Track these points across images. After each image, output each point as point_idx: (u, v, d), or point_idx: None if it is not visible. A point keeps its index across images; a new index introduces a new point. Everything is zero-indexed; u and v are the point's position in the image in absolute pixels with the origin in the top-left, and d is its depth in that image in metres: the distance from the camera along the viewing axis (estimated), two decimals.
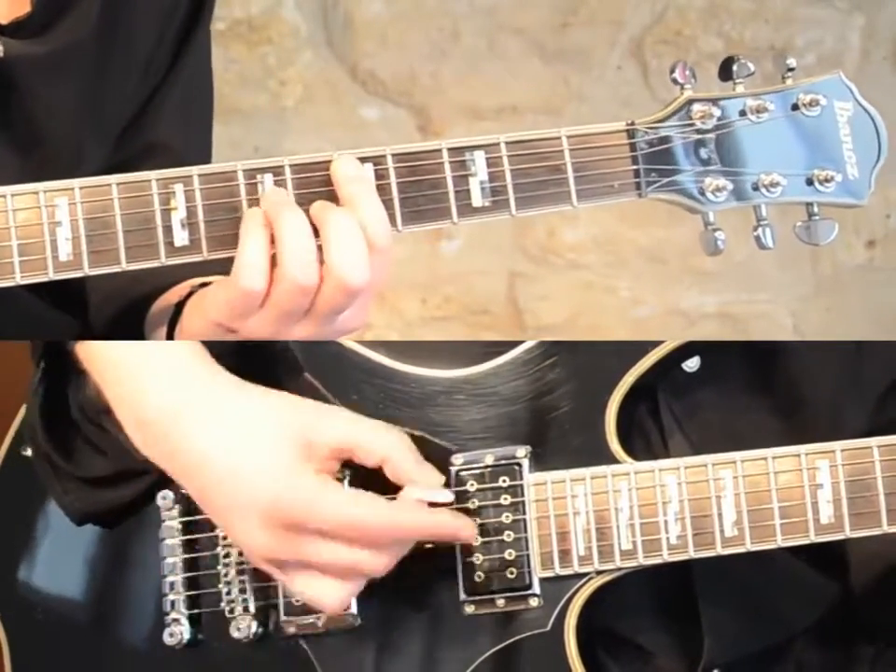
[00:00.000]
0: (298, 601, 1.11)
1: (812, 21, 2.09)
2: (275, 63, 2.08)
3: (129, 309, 1.20)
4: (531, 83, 2.07)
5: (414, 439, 1.12)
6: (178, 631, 1.15)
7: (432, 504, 1.08)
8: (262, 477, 1.05)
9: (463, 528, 1.09)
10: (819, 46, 2.09)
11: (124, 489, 1.14)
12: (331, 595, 1.07)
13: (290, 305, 1.03)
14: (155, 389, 1.08)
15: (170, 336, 1.13)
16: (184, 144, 1.32)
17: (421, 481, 1.08)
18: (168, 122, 1.30)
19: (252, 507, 1.05)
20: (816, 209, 1.10)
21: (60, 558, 1.20)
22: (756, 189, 1.09)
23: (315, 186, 1.05)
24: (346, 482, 1.08)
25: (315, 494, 1.05)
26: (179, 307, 1.13)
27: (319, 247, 1.04)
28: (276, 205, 1.04)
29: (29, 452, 1.20)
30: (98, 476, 1.16)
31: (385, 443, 1.08)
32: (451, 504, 1.09)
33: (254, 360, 1.14)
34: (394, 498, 1.08)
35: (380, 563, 1.06)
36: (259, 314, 1.04)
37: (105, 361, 1.11)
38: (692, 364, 1.15)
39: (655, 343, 1.12)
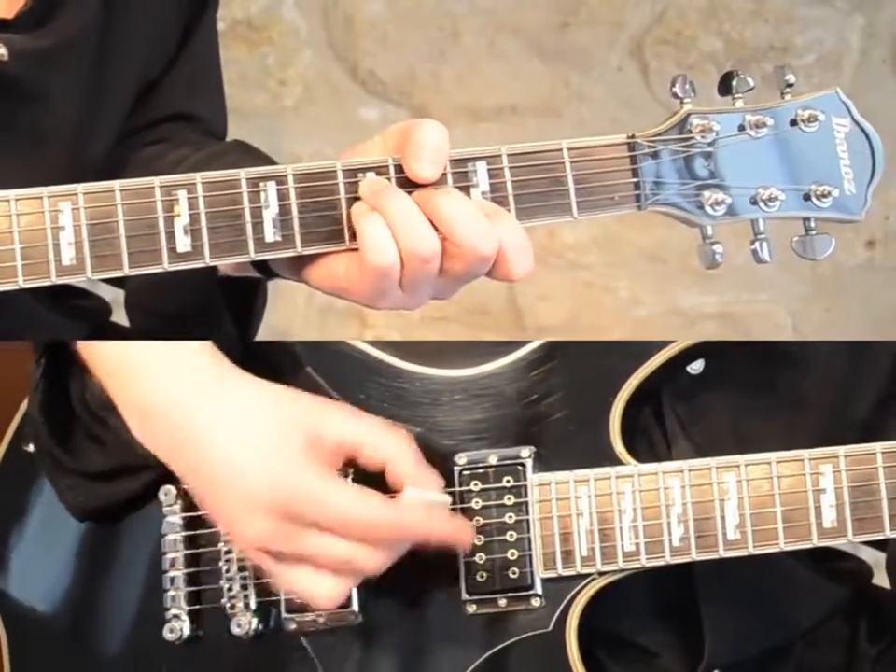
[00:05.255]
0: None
1: (812, 21, 2.10)
2: (275, 63, 2.08)
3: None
4: (531, 83, 2.07)
5: (418, 437, 1.13)
6: (178, 627, 1.15)
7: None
8: (267, 466, 1.05)
9: (462, 534, 1.09)
10: (819, 46, 2.09)
11: (125, 484, 1.14)
12: (324, 590, 1.06)
13: (419, 277, 1.04)
14: (161, 383, 1.08)
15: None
16: (203, 111, 1.34)
17: (421, 483, 1.08)
18: (184, 94, 1.32)
19: (254, 495, 1.05)
20: (813, 224, 1.10)
21: (60, 553, 1.20)
22: (754, 203, 1.09)
23: (318, 194, 1.05)
24: (350, 479, 1.08)
25: (319, 487, 1.05)
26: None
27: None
28: (376, 194, 1.05)
29: (32, 448, 1.20)
30: (99, 471, 1.16)
31: (389, 443, 1.08)
32: (450, 505, 1.09)
33: (257, 356, 1.14)
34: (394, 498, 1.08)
35: (376, 561, 1.06)
36: (396, 291, 1.05)
37: (110, 358, 1.11)
38: (696, 366, 1.15)
39: (661, 345, 1.12)
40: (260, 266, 1.13)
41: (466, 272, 1.05)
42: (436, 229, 1.04)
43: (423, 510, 1.07)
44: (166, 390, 1.08)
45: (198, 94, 1.34)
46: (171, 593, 1.15)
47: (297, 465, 1.05)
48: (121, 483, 1.15)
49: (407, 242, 1.03)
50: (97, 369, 1.11)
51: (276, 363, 1.15)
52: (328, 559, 1.05)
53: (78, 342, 1.12)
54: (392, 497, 1.08)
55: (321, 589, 1.06)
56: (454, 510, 1.12)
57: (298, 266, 1.08)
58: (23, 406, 1.22)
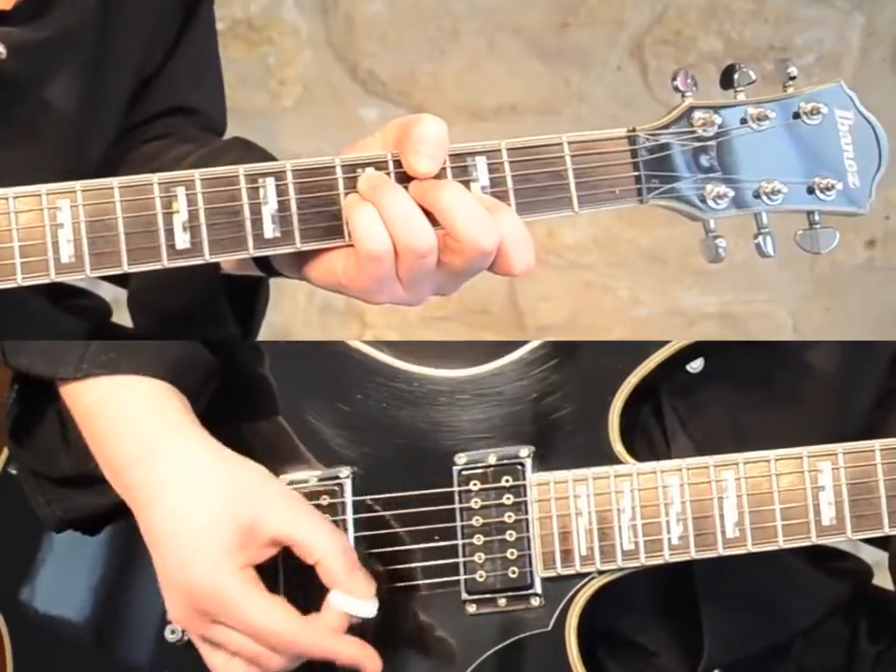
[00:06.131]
0: (298, 600, 1.11)
1: (812, 21, 2.10)
2: (275, 63, 2.08)
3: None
4: (531, 83, 2.07)
5: (417, 438, 1.13)
6: (179, 628, 1.15)
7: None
8: (191, 559, 1.05)
9: (366, 663, 1.08)
10: (819, 46, 2.09)
11: (105, 494, 1.13)
12: None
13: (417, 271, 1.03)
14: (130, 436, 1.08)
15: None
16: (203, 106, 1.34)
17: (350, 589, 1.07)
18: (184, 88, 1.32)
19: (176, 580, 1.07)
20: (817, 217, 1.09)
21: (62, 558, 1.20)
22: (757, 196, 1.08)
23: (318, 190, 1.05)
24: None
25: (230, 593, 1.05)
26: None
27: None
28: (373, 189, 1.04)
29: (14, 470, 1.20)
30: (78, 475, 1.15)
31: (323, 546, 1.07)
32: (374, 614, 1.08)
33: (229, 397, 1.14)
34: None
35: (281, 664, 1.07)
36: (395, 286, 1.04)
37: (85, 402, 1.10)
38: (695, 365, 1.15)
39: (659, 344, 1.12)
40: (263, 264, 1.13)
41: (466, 267, 1.04)
42: (435, 223, 1.03)
43: (328, 632, 1.07)
44: (135, 443, 1.08)
45: (196, 87, 1.33)
46: None
47: (220, 566, 1.05)
48: (98, 492, 1.14)
49: (402, 236, 1.02)
50: (74, 409, 1.11)
51: (248, 406, 1.16)
52: (236, 651, 1.07)
53: (59, 384, 1.11)
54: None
55: None
56: (451, 510, 1.12)
57: (298, 264, 1.08)
58: None
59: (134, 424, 1.08)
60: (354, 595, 1.07)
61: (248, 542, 1.06)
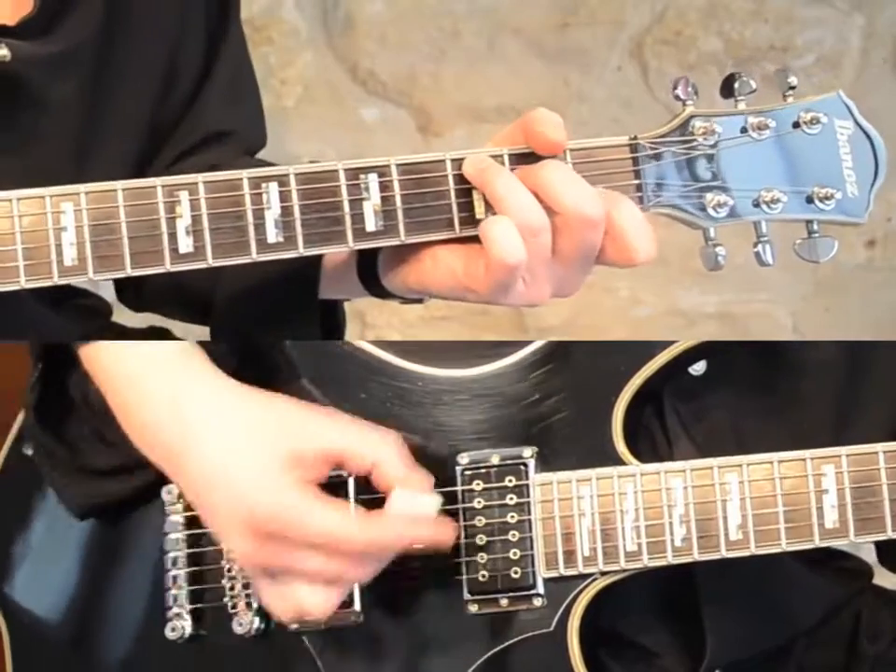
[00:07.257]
0: None
1: (812, 21, 2.09)
2: (275, 63, 2.08)
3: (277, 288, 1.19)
4: (531, 83, 2.07)
5: (420, 437, 1.13)
6: (180, 626, 1.15)
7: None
8: (246, 486, 1.05)
9: (442, 534, 1.08)
10: (819, 46, 2.09)
11: (128, 481, 1.14)
12: (315, 602, 1.06)
13: (533, 256, 1.02)
14: (152, 392, 1.09)
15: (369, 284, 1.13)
16: (242, 124, 1.34)
17: (410, 484, 1.07)
18: (222, 110, 1.31)
19: (235, 515, 1.06)
20: (816, 226, 1.10)
21: (63, 554, 1.20)
22: (757, 205, 1.09)
23: (320, 195, 1.05)
24: (351, 482, 1.10)
25: (295, 506, 1.04)
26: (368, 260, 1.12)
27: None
28: (480, 171, 1.04)
29: (30, 451, 1.20)
30: (103, 468, 1.16)
31: (374, 448, 1.07)
32: (441, 504, 1.08)
33: (251, 364, 1.14)
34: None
35: (364, 571, 1.06)
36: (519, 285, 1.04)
37: (105, 363, 1.11)
38: (698, 367, 1.15)
39: (663, 345, 1.12)
40: (372, 287, 1.13)
41: (577, 246, 1.03)
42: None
43: (404, 520, 1.06)
44: (156, 397, 1.08)
45: (232, 106, 1.33)
46: (173, 591, 1.16)
47: (274, 485, 1.05)
48: (123, 479, 1.15)
49: (516, 215, 1.02)
50: (94, 374, 1.12)
51: (270, 371, 1.15)
52: (316, 574, 1.06)
53: (78, 346, 1.12)
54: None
55: (312, 601, 1.06)
56: (454, 510, 1.12)
57: (412, 275, 1.08)
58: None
59: (157, 373, 1.09)
60: (415, 489, 1.07)
61: (300, 465, 1.05)
